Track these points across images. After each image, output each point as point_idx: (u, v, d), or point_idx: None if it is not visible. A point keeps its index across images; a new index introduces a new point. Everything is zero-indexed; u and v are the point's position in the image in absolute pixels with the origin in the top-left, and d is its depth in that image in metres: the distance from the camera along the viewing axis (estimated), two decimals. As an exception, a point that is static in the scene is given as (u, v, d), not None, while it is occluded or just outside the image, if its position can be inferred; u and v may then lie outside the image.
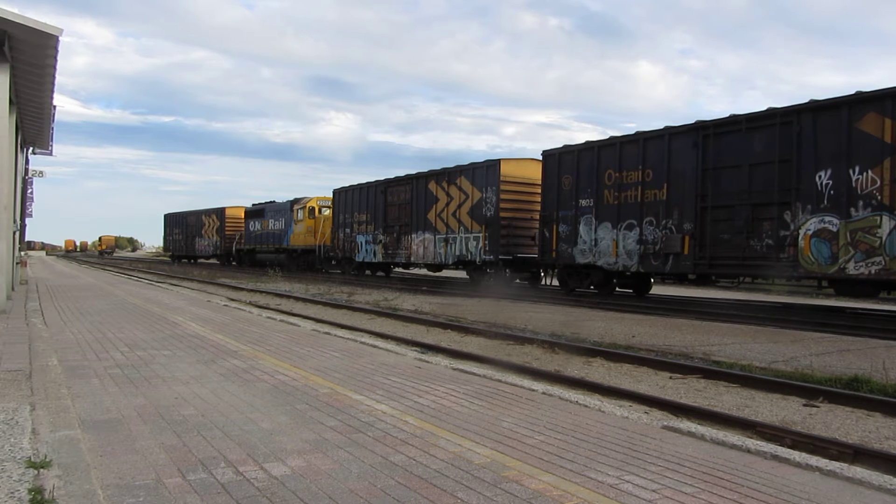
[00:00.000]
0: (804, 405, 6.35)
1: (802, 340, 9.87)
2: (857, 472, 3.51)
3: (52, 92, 12.90)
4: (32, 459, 3.34)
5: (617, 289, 17.88)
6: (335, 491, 3.09)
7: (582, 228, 17.21)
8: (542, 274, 20.97)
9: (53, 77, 11.69)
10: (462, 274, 25.45)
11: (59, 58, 10.69)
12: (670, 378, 7.64)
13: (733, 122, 13.93)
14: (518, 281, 21.71)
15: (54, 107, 14.81)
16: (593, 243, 16.88)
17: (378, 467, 3.44)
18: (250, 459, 3.53)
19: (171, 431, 4.02)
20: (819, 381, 6.99)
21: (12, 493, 2.90)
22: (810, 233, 12.49)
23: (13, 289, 14.61)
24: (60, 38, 9.95)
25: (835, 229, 12.11)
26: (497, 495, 3.08)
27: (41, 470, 3.19)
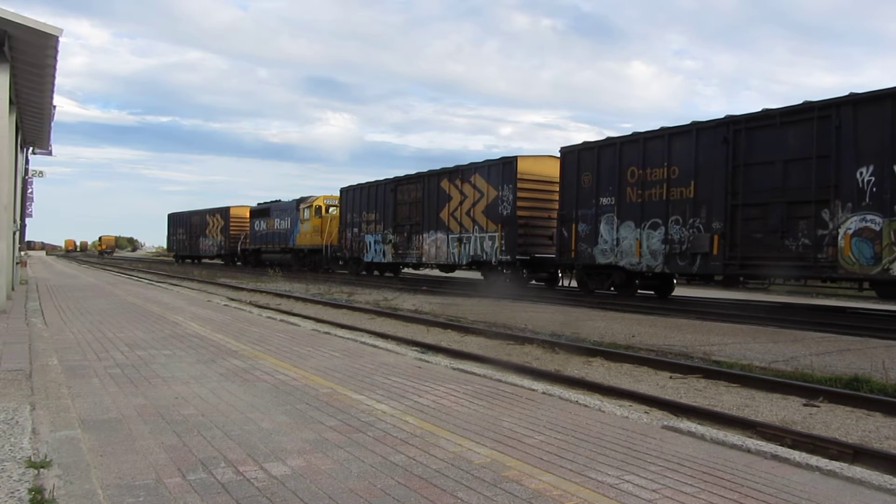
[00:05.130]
0: (804, 405, 6.35)
1: (802, 340, 9.87)
2: (857, 471, 3.51)
3: (52, 92, 12.89)
4: (32, 459, 3.34)
5: (639, 290, 17.33)
6: (335, 491, 3.09)
7: (603, 228, 16.71)
8: (560, 275, 20.49)
9: (53, 77, 11.68)
10: (472, 275, 24.95)
11: (58, 58, 10.69)
12: (670, 378, 7.64)
13: (766, 116, 13.43)
14: (534, 282, 21.22)
15: (54, 107, 14.80)
16: (615, 243, 16.38)
17: (378, 467, 3.44)
18: (250, 459, 3.53)
19: (171, 431, 4.02)
20: (819, 381, 6.99)
21: (12, 493, 2.90)
22: (851, 232, 11.97)
23: (13, 289, 14.61)
24: (60, 39, 9.95)
25: (878, 228, 11.60)
26: (497, 495, 3.08)
27: (41, 470, 3.19)
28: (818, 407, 6.29)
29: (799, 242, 12.76)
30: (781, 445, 4.39)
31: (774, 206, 13.15)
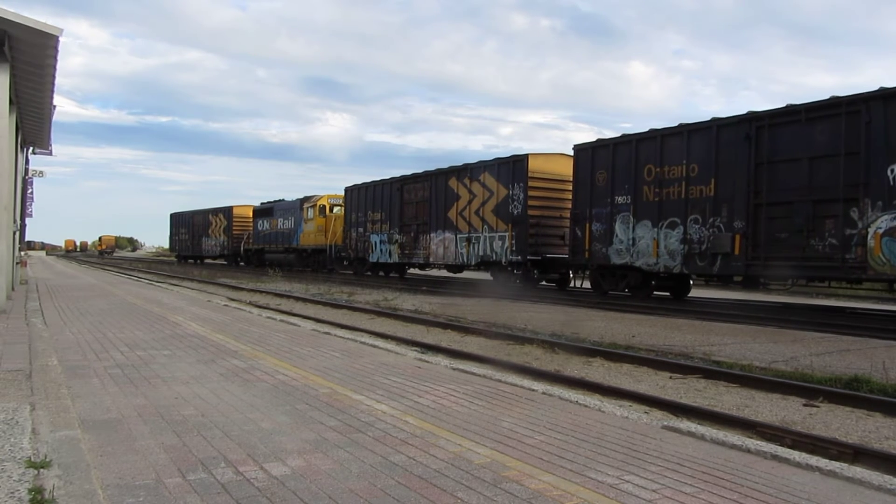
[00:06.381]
0: (804, 405, 6.35)
1: (802, 340, 9.87)
2: (857, 472, 3.51)
3: (53, 92, 12.90)
4: (32, 459, 3.34)
5: (654, 292, 16.93)
6: (335, 491, 3.09)
7: (618, 227, 16.31)
8: (572, 275, 20.14)
9: (53, 77, 11.68)
10: (480, 275, 24.40)
11: (58, 58, 10.69)
12: (670, 378, 7.64)
13: (791, 112, 13.03)
14: (545, 283, 20.90)
15: (54, 107, 14.80)
16: (631, 243, 15.97)
17: (378, 467, 3.44)
18: (250, 459, 3.53)
19: (171, 431, 4.02)
20: (819, 381, 6.99)
21: (12, 493, 2.90)
22: (881, 231, 11.50)
23: (13, 289, 14.61)
24: (60, 38, 9.95)
25: None
26: (497, 495, 3.08)
27: (41, 470, 3.19)
28: (818, 407, 6.28)
29: (826, 242, 12.33)
30: (781, 445, 4.39)
31: (800, 204, 12.72)
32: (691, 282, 17.52)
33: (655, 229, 15.47)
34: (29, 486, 2.98)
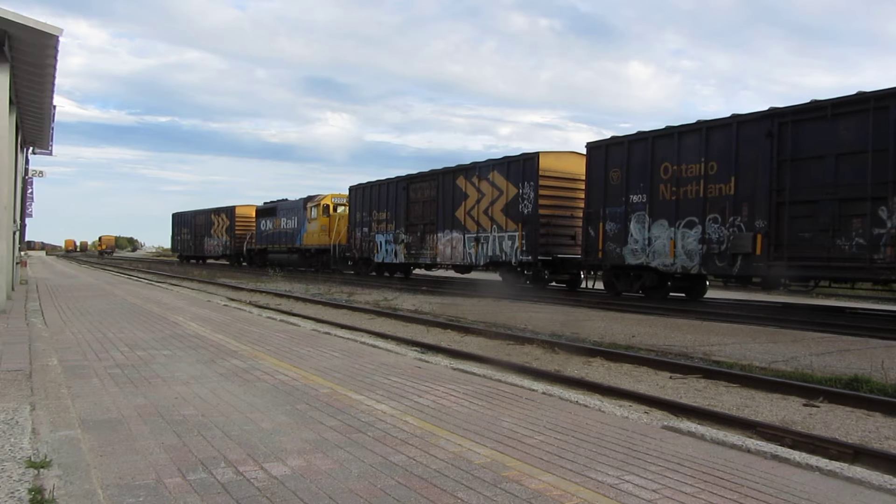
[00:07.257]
0: (804, 405, 6.35)
1: (802, 340, 9.87)
2: (857, 472, 3.51)
3: (52, 92, 12.90)
4: (32, 459, 3.34)
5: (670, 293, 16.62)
6: (335, 491, 3.09)
7: (633, 226, 15.97)
8: (583, 276, 19.90)
9: (53, 77, 11.69)
10: (488, 276, 24.12)
11: (58, 58, 10.70)
12: (670, 378, 7.64)
13: (816, 108, 12.60)
14: (555, 284, 20.69)
15: (54, 107, 14.81)
16: (646, 242, 15.63)
17: (378, 467, 3.44)
18: (250, 459, 3.53)
19: (171, 431, 4.02)
20: (819, 381, 6.99)
21: (12, 493, 2.90)
22: None
23: (13, 289, 14.61)
24: (60, 38, 9.95)
25: None
26: (497, 495, 3.08)
27: (41, 470, 3.19)
28: (818, 407, 6.29)
29: (853, 242, 11.91)
30: (781, 445, 4.39)
31: (825, 203, 12.28)
32: (707, 283, 17.24)
33: (672, 229, 15.14)
34: (29, 486, 2.98)
